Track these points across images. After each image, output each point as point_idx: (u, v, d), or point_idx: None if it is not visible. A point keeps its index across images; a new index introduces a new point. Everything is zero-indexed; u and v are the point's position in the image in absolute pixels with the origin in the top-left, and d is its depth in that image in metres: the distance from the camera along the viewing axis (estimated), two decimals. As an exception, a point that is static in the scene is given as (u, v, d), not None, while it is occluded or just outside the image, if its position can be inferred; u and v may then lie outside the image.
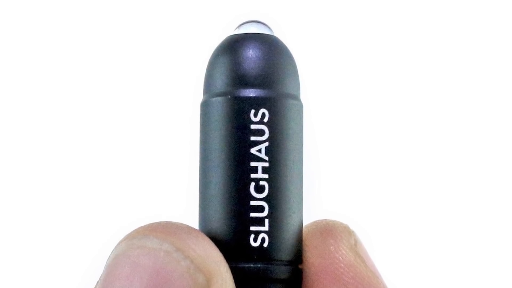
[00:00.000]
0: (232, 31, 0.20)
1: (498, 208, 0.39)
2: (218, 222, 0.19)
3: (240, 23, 0.20)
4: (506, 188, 0.39)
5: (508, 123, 0.40)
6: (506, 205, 0.39)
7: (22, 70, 0.40)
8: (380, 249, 0.24)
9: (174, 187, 0.38)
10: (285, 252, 0.19)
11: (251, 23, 0.20)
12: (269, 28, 0.20)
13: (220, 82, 0.19)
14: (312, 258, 0.19)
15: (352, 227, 0.20)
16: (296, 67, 0.20)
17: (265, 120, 0.19)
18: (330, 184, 0.39)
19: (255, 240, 0.18)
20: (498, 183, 0.40)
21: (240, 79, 0.19)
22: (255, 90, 0.19)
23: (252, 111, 0.19)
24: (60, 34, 0.40)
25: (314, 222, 0.20)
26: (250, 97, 0.19)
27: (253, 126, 0.19)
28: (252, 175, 0.19)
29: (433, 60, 0.40)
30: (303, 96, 0.20)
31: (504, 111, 0.40)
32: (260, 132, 0.19)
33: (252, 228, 0.18)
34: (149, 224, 0.17)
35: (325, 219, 0.20)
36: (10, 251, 0.38)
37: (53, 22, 0.40)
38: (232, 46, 0.19)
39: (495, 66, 0.39)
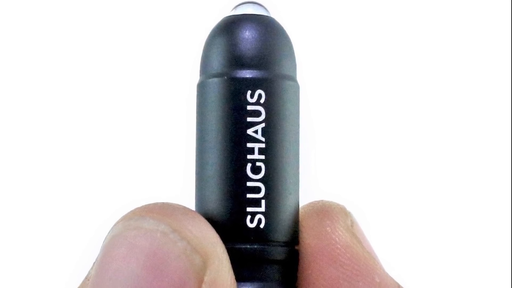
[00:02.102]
0: (228, 12, 0.20)
1: (492, 192, 0.39)
2: (215, 203, 0.19)
3: (237, 4, 0.19)
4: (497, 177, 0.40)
5: (506, 122, 0.40)
6: (498, 191, 0.39)
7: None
8: (376, 230, 0.24)
9: (170, 168, 0.38)
10: (281, 233, 0.19)
11: (247, 4, 0.19)
12: (265, 9, 0.20)
13: (217, 63, 0.19)
14: (309, 239, 0.19)
15: (349, 208, 0.20)
16: (293, 48, 0.20)
17: (262, 101, 0.19)
18: (326, 165, 0.39)
19: (251, 221, 0.18)
20: (491, 170, 0.40)
21: (236, 60, 0.19)
22: (251, 71, 0.19)
23: (249, 92, 0.19)
24: (53, 16, 0.40)
25: (310, 203, 0.20)
26: (247, 78, 0.19)
27: (249, 107, 0.19)
28: (249, 156, 0.19)
29: (429, 43, 0.40)
30: (300, 77, 0.20)
31: (502, 110, 0.40)
32: (257, 113, 0.19)
33: (249, 209, 0.18)
34: (145, 205, 0.17)
35: (322, 200, 0.20)
36: (4, 232, 0.39)
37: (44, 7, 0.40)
38: (229, 27, 0.19)
39: (493, 66, 0.39)
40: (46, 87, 0.40)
